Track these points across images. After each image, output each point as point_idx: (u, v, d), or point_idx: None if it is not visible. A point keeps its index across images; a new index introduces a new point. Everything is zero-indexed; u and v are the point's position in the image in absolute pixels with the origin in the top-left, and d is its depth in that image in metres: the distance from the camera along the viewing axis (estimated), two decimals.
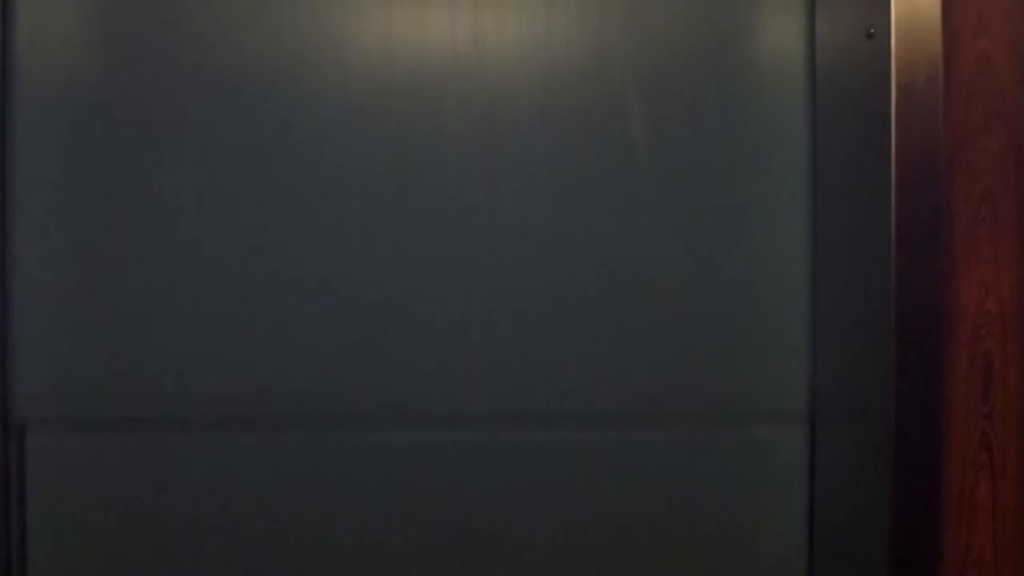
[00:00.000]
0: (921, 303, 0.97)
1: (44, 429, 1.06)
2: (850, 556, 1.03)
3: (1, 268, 1.05)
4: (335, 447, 1.09)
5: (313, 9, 1.08)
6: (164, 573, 1.08)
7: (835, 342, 1.08)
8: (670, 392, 1.11)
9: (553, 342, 1.10)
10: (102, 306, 1.06)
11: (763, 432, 1.12)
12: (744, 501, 1.11)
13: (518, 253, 1.10)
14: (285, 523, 1.09)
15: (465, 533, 1.10)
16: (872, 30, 1.01)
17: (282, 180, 1.08)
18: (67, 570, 1.07)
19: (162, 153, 1.07)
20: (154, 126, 1.07)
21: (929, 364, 0.96)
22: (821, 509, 1.11)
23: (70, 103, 1.06)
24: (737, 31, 1.13)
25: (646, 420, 1.11)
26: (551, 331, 1.10)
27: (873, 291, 0.99)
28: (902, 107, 0.99)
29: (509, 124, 1.10)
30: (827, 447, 1.10)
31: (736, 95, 1.12)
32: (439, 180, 1.09)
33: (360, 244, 1.08)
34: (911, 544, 0.95)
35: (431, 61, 1.10)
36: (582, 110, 1.11)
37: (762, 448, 1.12)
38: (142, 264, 1.07)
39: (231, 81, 1.08)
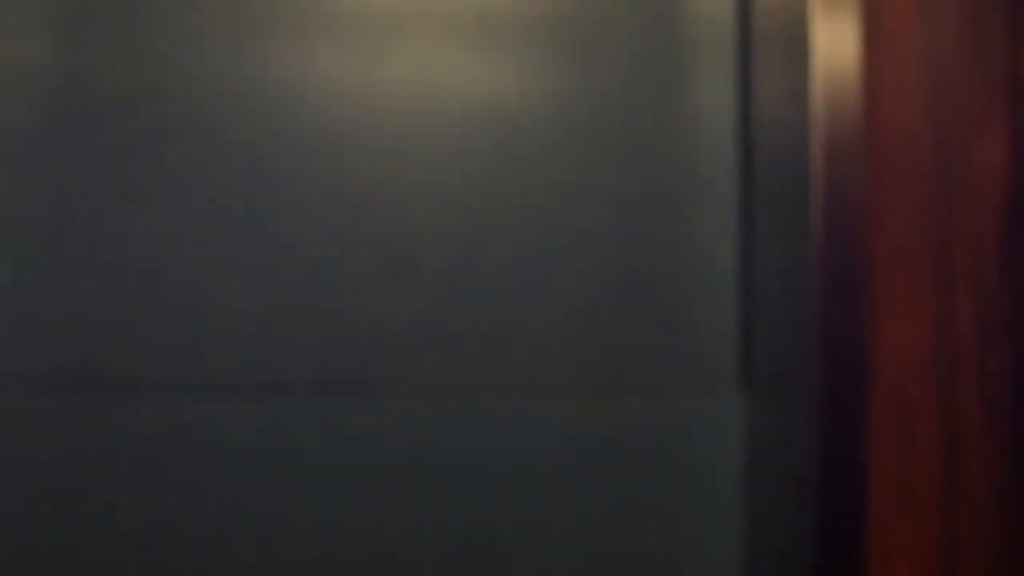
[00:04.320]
0: (845, 351, 1.01)
1: None
2: None
3: None
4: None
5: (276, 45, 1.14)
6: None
7: (765, 388, 1.12)
8: None
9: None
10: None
11: (700, 487, 1.15)
12: (677, 543, 1.14)
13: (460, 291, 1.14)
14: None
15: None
16: (798, 91, 1.07)
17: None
18: None
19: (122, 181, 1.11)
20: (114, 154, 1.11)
21: (852, 409, 1.00)
22: (750, 548, 1.14)
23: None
24: (674, 90, 1.18)
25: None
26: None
27: (799, 339, 1.03)
28: (825, 163, 1.04)
29: (457, 167, 1.15)
30: (756, 493, 1.13)
31: (669, 151, 1.17)
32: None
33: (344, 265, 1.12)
34: None
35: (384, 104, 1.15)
36: (520, 161, 1.16)
37: (697, 500, 1.15)
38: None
39: (199, 110, 1.13)
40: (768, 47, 1.15)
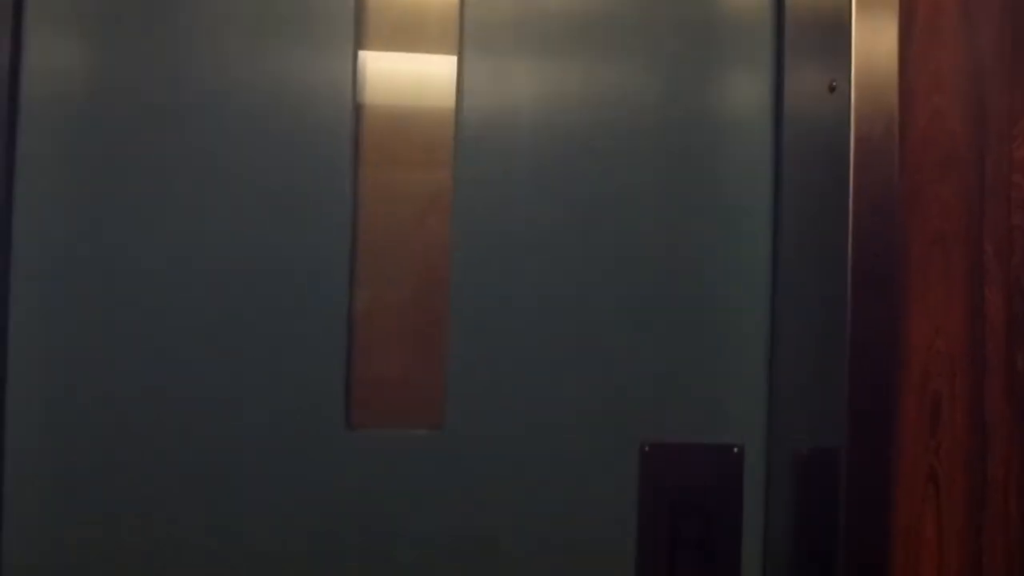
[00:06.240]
0: (875, 342, 1.02)
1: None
2: None
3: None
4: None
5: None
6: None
7: (791, 377, 1.13)
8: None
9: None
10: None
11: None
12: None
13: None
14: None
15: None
16: (834, 83, 1.08)
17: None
18: None
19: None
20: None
21: (881, 400, 1.01)
22: (774, 540, 1.15)
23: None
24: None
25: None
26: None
27: (830, 331, 1.04)
28: (860, 155, 1.05)
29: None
30: (780, 480, 1.14)
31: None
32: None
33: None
34: (861, 574, 0.99)
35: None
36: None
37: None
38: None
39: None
40: (804, 41, 1.15)
